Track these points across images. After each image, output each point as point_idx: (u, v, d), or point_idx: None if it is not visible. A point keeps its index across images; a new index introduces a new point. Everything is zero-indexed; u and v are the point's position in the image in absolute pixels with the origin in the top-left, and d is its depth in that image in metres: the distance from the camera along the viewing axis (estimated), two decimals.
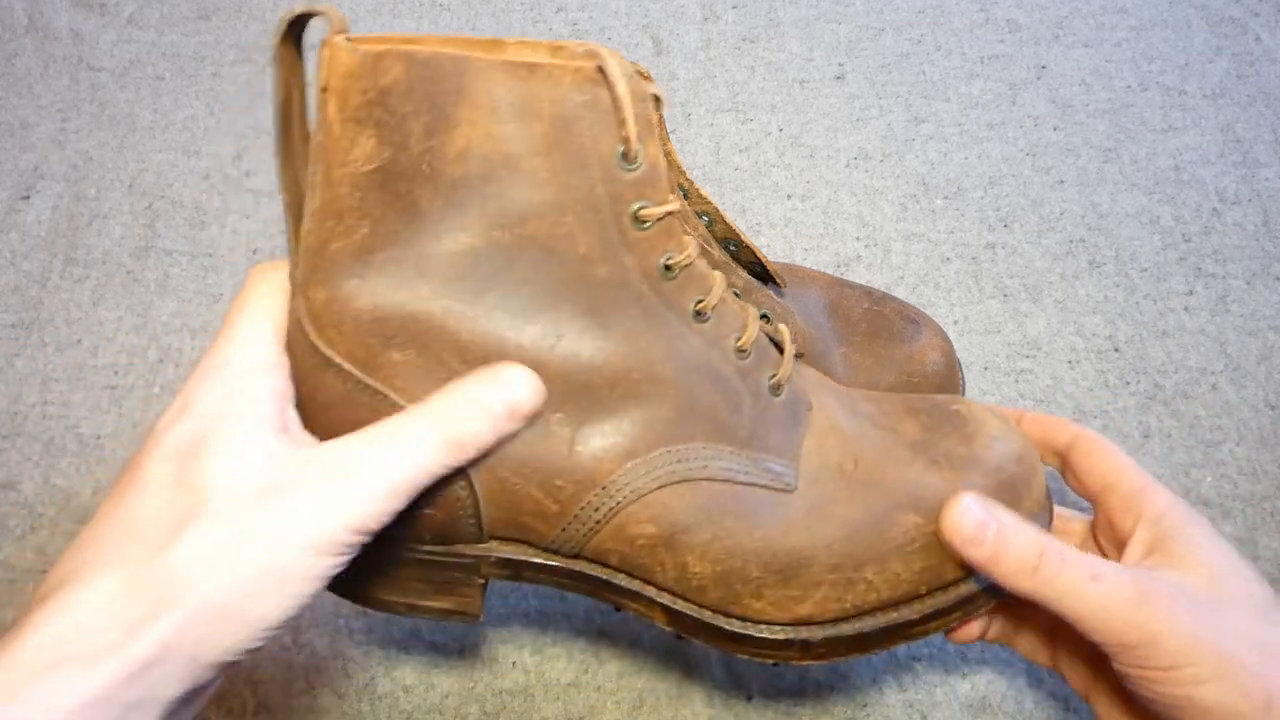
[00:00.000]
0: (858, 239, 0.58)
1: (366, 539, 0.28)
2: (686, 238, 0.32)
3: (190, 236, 0.58)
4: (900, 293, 0.56)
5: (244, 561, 0.26)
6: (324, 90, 0.29)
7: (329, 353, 0.31)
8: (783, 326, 0.37)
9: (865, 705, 0.42)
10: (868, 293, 0.48)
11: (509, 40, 0.31)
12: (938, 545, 0.34)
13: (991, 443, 0.36)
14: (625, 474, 0.32)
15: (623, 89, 0.29)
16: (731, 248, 0.41)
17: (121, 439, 0.50)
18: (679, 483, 0.32)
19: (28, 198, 0.59)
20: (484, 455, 0.31)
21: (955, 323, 0.55)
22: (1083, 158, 0.62)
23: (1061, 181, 0.61)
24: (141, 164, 0.61)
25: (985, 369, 0.53)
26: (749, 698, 0.42)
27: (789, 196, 0.60)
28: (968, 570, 0.34)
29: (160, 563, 0.26)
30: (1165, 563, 0.33)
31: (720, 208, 0.40)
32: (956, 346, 0.48)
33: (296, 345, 0.31)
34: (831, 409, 0.37)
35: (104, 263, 0.57)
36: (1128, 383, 0.53)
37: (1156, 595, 0.31)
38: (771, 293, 0.42)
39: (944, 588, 0.34)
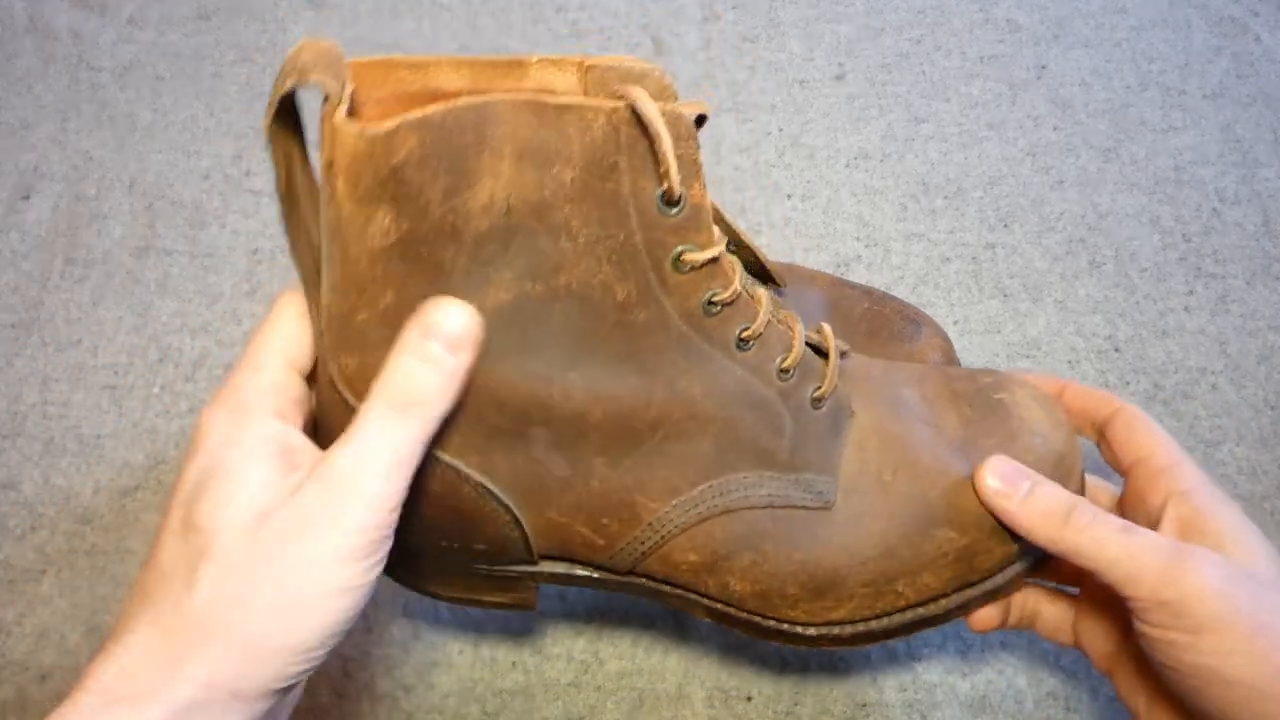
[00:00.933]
0: (858, 239, 0.58)
1: (384, 532, 0.28)
2: (732, 271, 0.31)
3: (190, 236, 0.58)
4: (900, 293, 0.56)
5: (263, 591, 0.26)
6: (329, 167, 0.26)
7: None
8: (826, 327, 0.35)
9: (865, 705, 0.42)
10: (868, 293, 0.48)
11: (530, 59, 0.29)
12: (969, 555, 0.34)
13: (1033, 442, 0.35)
14: (670, 511, 0.32)
15: (662, 130, 0.26)
16: (731, 248, 0.41)
17: (121, 439, 0.50)
18: (722, 514, 0.33)
19: (28, 198, 0.59)
20: (530, 495, 0.31)
21: (955, 323, 0.55)
22: (1083, 158, 0.62)
23: (1061, 181, 0.61)
24: (141, 164, 0.61)
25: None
26: (749, 698, 0.42)
27: (789, 196, 0.60)
28: (993, 570, 0.35)
29: (185, 608, 0.26)
30: (1199, 540, 0.32)
31: (720, 207, 0.40)
32: (956, 346, 0.48)
33: (333, 407, 0.30)
34: (873, 406, 0.36)
35: (104, 263, 0.57)
36: (1128, 383, 0.52)
37: (1192, 556, 0.30)
38: (771, 293, 0.42)
39: (970, 585, 0.35)
